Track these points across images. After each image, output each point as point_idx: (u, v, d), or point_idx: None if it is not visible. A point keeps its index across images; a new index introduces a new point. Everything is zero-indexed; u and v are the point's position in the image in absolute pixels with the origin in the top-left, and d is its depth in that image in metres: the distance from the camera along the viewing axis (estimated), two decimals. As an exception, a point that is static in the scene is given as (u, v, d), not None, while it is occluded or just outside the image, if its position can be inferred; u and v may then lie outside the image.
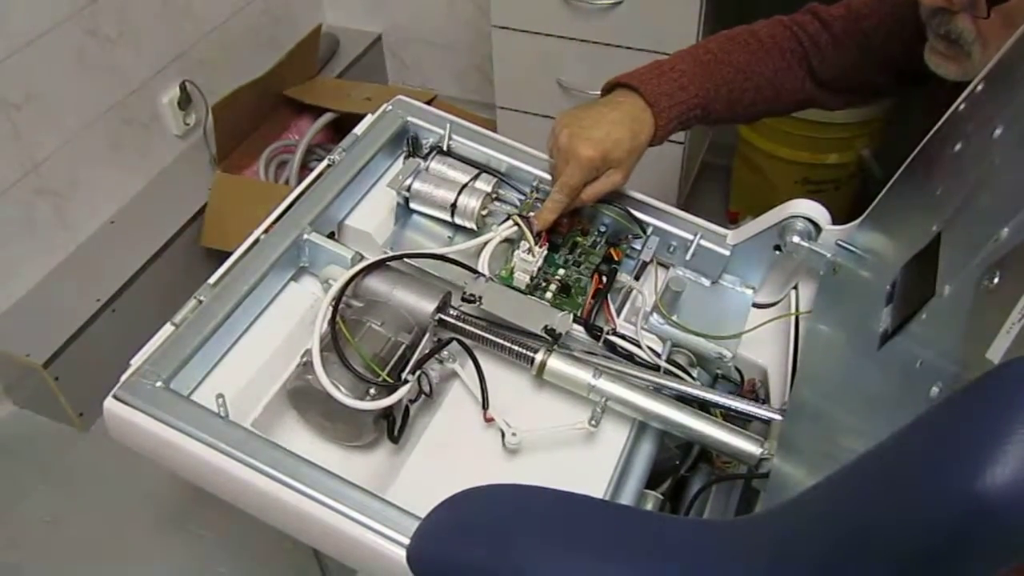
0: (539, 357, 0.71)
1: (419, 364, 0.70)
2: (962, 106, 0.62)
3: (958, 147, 0.60)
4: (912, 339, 0.52)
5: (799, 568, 0.40)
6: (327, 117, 1.82)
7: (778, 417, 0.69)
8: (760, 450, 0.66)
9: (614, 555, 0.46)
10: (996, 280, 0.44)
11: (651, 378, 0.71)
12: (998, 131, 0.55)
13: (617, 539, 0.48)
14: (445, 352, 0.72)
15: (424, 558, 0.54)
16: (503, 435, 0.68)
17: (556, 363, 0.70)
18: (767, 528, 0.45)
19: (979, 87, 0.60)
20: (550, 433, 0.69)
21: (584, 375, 0.70)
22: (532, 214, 0.80)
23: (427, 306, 0.73)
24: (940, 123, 0.64)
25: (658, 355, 0.74)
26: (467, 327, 0.73)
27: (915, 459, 0.36)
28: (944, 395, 0.43)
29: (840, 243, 0.74)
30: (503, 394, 0.71)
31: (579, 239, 0.80)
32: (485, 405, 0.70)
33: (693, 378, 0.74)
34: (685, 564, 0.45)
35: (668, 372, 0.73)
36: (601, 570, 0.46)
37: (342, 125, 1.81)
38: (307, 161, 1.78)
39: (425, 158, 0.85)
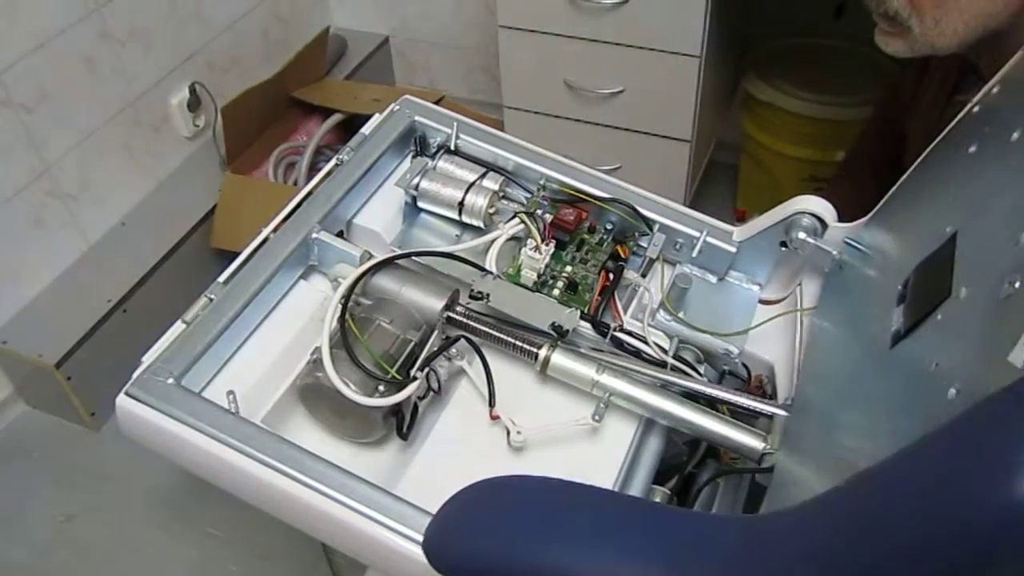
0: (543, 353, 0.71)
1: (428, 361, 0.71)
2: (976, 108, 0.62)
3: (973, 148, 0.60)
4: (927, 340, 0.52)
5: None
6: (335, 118, 1.83)
7: (781, 412, 0.69)
8: (762, 445, 0.67)
9: (643, 554, 0.46)
10: (1017, 284, 0.44)
11: (656, 374, 0.72)
12: (1016, 135, 0.54)
13: (644, 536, 0.48)
14: (453, 349, 0.73)
15: (443, 550, 0.54)
16: (508, 433, 0.68)
17: (559, 359, 0.71)
18: (799, 535, 0.44)
19: (995, 89, 0.60)
20: (557, 429, 0.69)
21: (587, 371, 0.70)
22: (539, 212, 0.80)
23: (436, 304, 0.73)
24: (954, 124, 0.64)
25: (665, 351, 0.74)
26: (475, 324, 0.74)
27: (944, 467, 0.36)
28: (962, 397, 0.43)
29: (848, 240, 0.74)
30: (509, 390, 0.71)
31: (586, 236, 0.81)
32: (492, 403, 0.70)
33: (700, 374, 0.74)
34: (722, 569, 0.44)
35: (675, 368, 0.73)
36: (629, 569, 0.45)
37: (350, 126, 1.82)
38: (316, 162, 1.79)
39: (433, 157, 0.85)
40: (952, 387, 0.44)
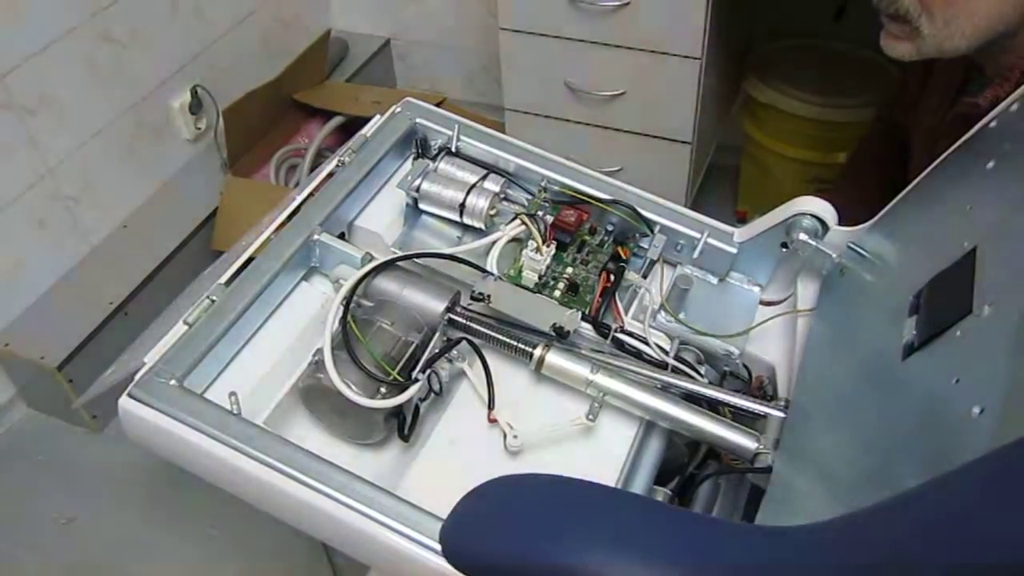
0: (537, 352, 0.71)
1: (429, 363, 0.71)
2: (993, 123, 0.61)
3: (991, 164, 0.59)
4: (944, 355, 0.52)
5: None
6: (336, 121, 1.84)
7: (776, 413, 0.69)
8: (756, 445, 0.67)
9: (672, 559, 0.46)
10: None
11: (654, 375, 0.72)
12: None
13: (672, 541, 0.47)
14: (454, 351, 0.73)
15: (462, 547, 0.53)
16: (505, 437, 0.69)
17: (554, 358, 0.71)
18: (840, 551, 0.42)
19: (1013, 107, 0.59)
20: (555, 431, 0.69)
21: (582, 370, 0.70)
22: (540, 213, 0.80)
23: (437, 306, 0.74)
24: (968, 136, 0.63)
25: (666, 352, 0.74)
26: (476, 326, 0.74)
27: (997, 501, 0.35)
28: (988, 416, 0.43)
29: (851, 245, 0.74)
30: (508, 391, 0.72)
31: (587, 238, 0.81)
32: (491, 406, 0.70)
33: (701, 375, 0.74)
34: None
35: (675, 369, 0.73)
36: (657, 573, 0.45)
37: (352, 129, 1.82)
38: (317, 165, 1.79)
39: (434, 159, 0.86)
40: (976, 405, 0.44)
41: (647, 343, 0.74)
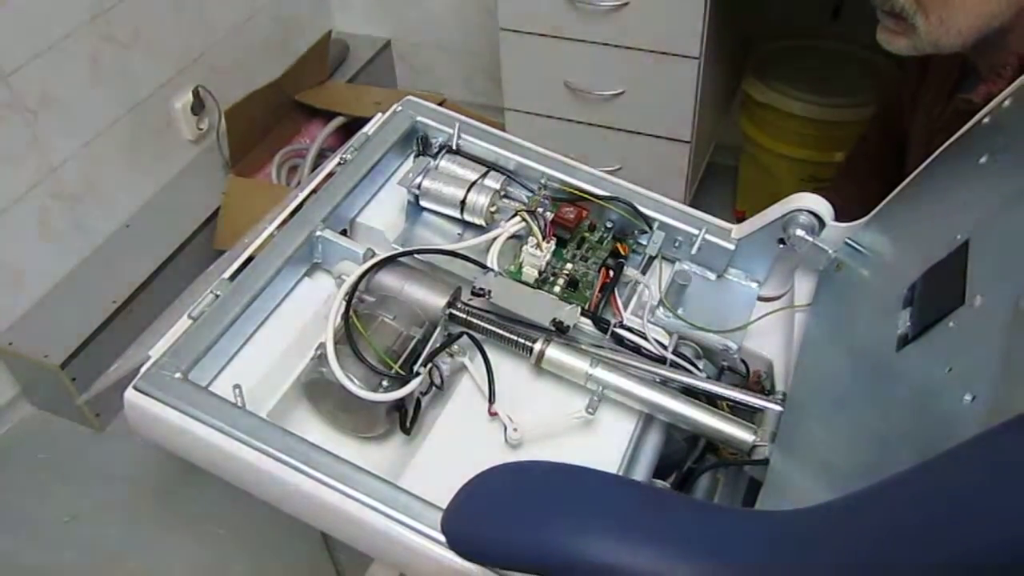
0: (537, 347, 0.72)
1: (430, 357, 0.72)
2: (986, 119, 0.62)
3: (984, 159, 0.60)
4: (938, 345, 0.53)
5: None
6: (338, 121, 1.85)
7: (773, 407, 0.70)
8: (752, 437, 0.68)
9: (684, 548, 0.46)
10: None
11: (653, 369, 0.72)
12: None
13: (681, 529, 0.48)
14: (455, 346, 0.74)
15: (464, 532, 0.54)
16: (505, 430, 0.69)
17: (554, 352, 0.72)
18: (852, 535, 0.43)
19: (1006, 103, 0.61)
20: (555, 425, 0.70)
21: (581, 364, 0.71)
22: (540, 210, 0.81)
23: (438, 301, 0.74)
24: (961, 133, 0.64)
25: (664, 347, 0.75)
26: (476, 321, 0.75)
27: (983, 480, 0.36)
28: (980, 403, 0.44)
29: (848, 241, 0.74)
30: (508, 385, 0.72)
31: (586, 234, 0.82)
32: (491, 399, 0.71)
33: (699, 370, 0.75)
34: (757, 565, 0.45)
35: (674, 364, 0.74)
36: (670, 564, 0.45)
37: (353, 129, 1.83)
38: (318, 165, 1.80)
39: (435, 157, 0.86)
40: (968, 393, 0.45)
41: (646, 338, 0.75)
